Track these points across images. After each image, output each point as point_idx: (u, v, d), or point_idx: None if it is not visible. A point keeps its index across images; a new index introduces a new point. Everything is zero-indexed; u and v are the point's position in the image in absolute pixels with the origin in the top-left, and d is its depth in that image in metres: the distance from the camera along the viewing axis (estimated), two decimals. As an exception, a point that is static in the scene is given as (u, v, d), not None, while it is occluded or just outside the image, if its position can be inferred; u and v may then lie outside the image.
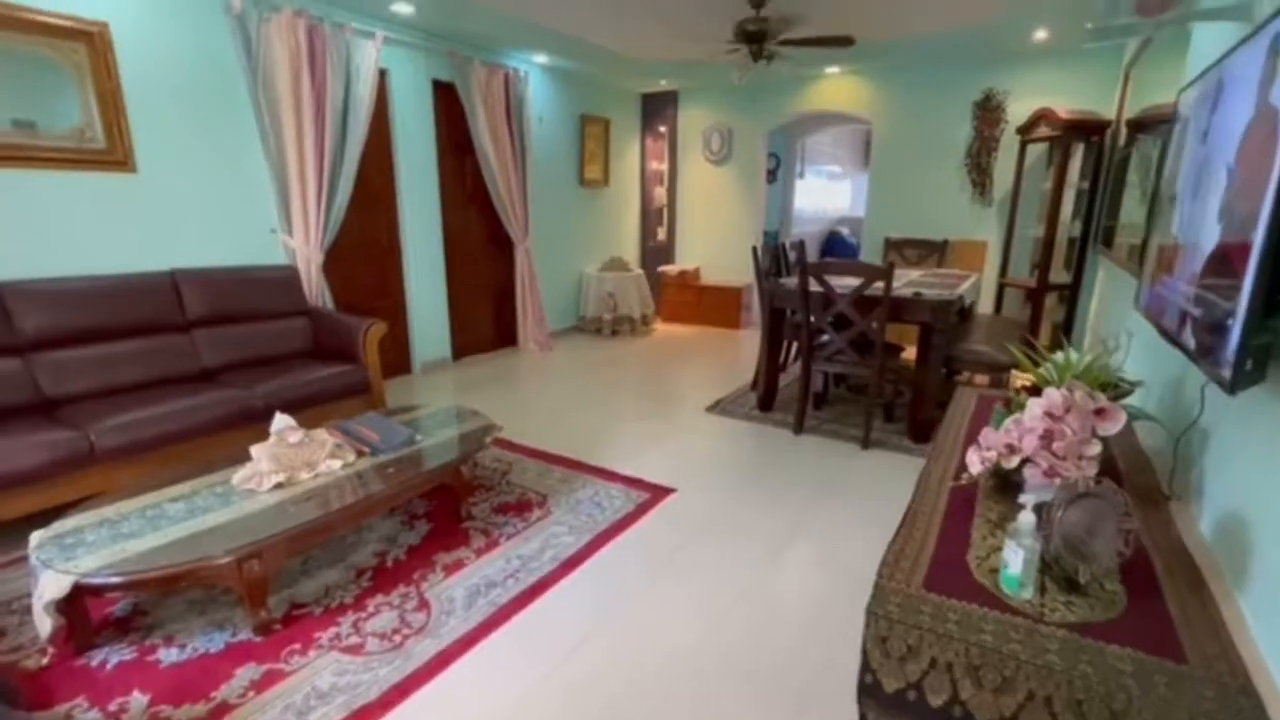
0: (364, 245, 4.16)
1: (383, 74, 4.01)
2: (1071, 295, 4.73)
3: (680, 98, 6.50)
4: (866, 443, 3.26)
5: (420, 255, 4.51)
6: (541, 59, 5.12)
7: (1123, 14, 1.59)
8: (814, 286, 3.24)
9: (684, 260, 6.81)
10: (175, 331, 3.03)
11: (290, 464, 2.12)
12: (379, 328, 3.31)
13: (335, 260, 3.87)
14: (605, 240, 6.45)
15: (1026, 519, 0.99)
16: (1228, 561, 1.06)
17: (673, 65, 5.52)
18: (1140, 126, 4.03)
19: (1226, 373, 0.92)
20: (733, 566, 2.20)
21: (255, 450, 2.12)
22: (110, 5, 2.84)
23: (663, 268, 6.67)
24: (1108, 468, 1.37)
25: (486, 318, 5.22)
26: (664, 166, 6.75)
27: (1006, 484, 1.36)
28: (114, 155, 2.91)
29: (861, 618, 1.00)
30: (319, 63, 3.48)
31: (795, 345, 4.21)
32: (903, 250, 5.22)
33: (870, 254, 5.79)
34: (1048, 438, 1.26)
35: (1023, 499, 1.04)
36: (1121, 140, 4.28)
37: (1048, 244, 4.60)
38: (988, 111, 5.09)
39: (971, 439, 1.76)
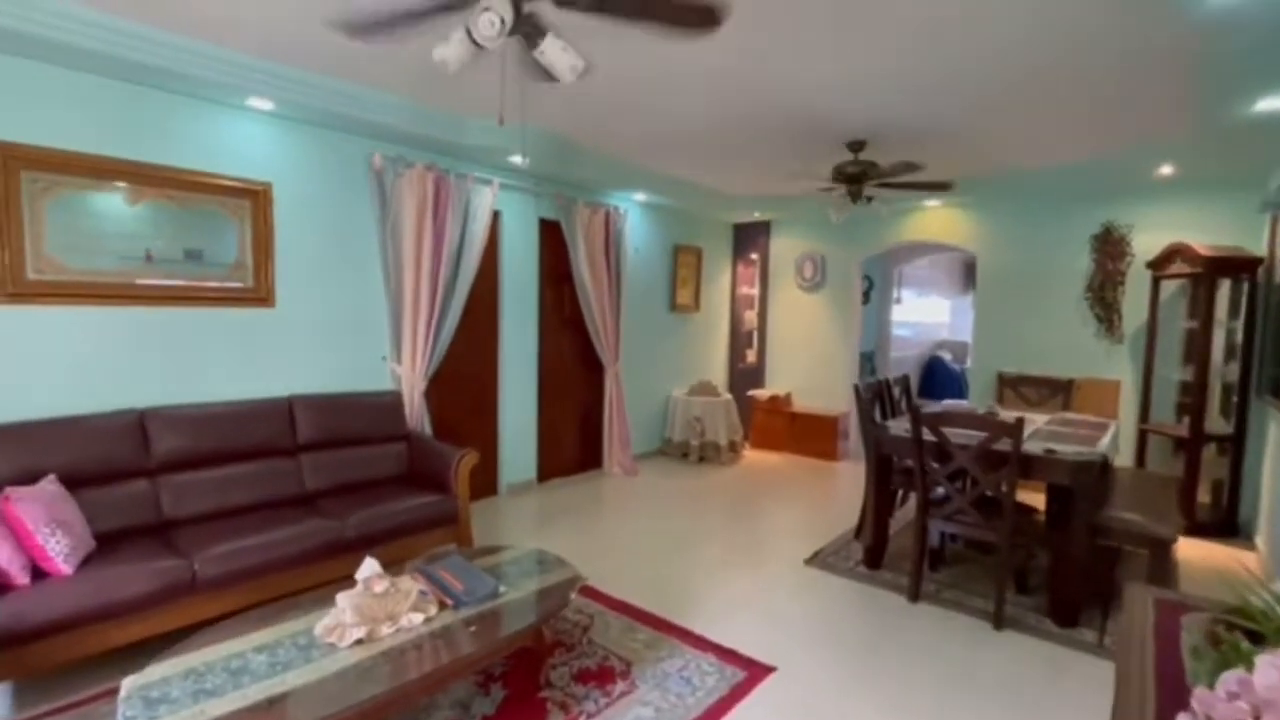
0: (464, 370, 4.32)
1: (496, 215, 4.34)
2: (1235, 449, 4.11)
3: (773, 227, 6.63)
4: (999, 621, 2.80)
5: (515, 378, 4.62)
6: (640, 196, 5.41)
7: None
8: (927, 435, 2.97)
9: (774, 385, 6.64)
10: (285, 455, 3.16)
11: (373, 615, 2.04)
12: (471, 458, 3.32)
13: (436, 384, 4.01)
14: (694, 364, 6.44)
15: None
16: None
17: (766, 199, 5.69)
18: (1300, 264, 3.63)
19: None
20: (849, 789, 1.84)
21: (341, 599, 2.06)
22: (277, 167, 3.27)
23: (753, 391, 6.51)
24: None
25: (573, 439, 5.21)
26: (755, 291, 6.79)
27: (1248, 776, 1.03)
28: (258, 292, 3.22)
29: None
30: (442, 207, 3.81)
31: (905, 491, 3.85)
32: (1019, 388, 4.81)
33: (980, 388, 5.39)
34: (1308, 725, 0.95)
35: None
36: (1277, 279, 3.85)
37: (1199, 388, 4.09)
38: (1109, 245, 4.79)
39: (1162, 671, 1.41)
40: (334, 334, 3.56)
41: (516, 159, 4.04)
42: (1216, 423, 4.23)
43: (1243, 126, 3.22)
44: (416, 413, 3.80)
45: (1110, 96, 3.02)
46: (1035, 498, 3.63)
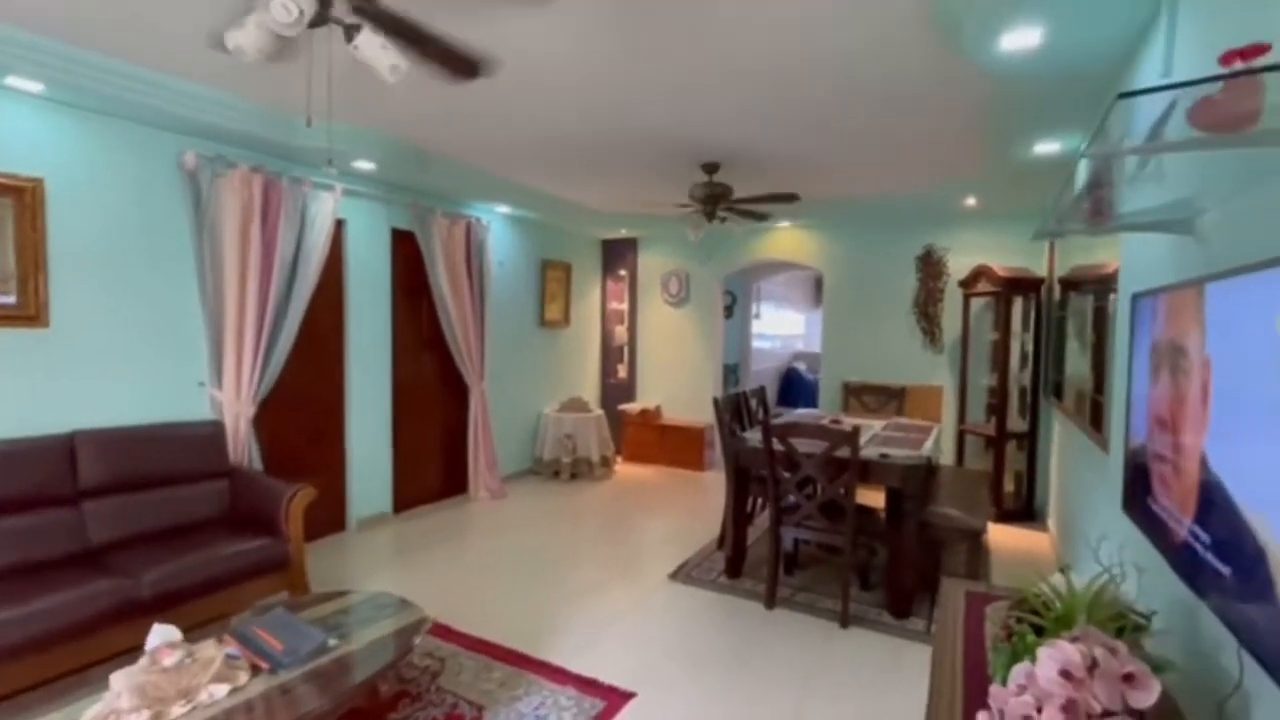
0: (303, 394, 3.91)
1: (340, 224, 4.00)
2: (1030, 444, 4.74)
3: (640, 244, 6.74)
4: (845, 620, 2.98)
5: (365, 402, 4.26)
6: (504, 209, 5.26)
7: (1069, 225, 1.63)
8: (777, 445, 3.11)
9: (645, 399, 6.72)
10: (60, 504, 2.64)
11: (160, 695, 1.72)
12: (306, 494, 2.98)
13: (268, 411, 3.58)
14: (564, 380, 6.35)
15: None
16: None
17: (632, 217, 5.77)
18: (1071, 285, 4.28)
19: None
20: (703, 812, 1.83)
21: (116, 680, 1.73)
22: (52, 161, 2.75)
23: (624, 406, 6.54)
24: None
25: (435, 465, 4.90)
26: (624, 306, 6.85)
27: (1030, 760, 1.12)
28: (26, 310, 2.68)
29: None
30: (272, 214, 3.43)
31: (761, 499, 4.01)
32: (862, 396, 5.24)
33: (829, 397, 5.81)
34: (1071, 711, 1.05)
35: None
36: (1055, 296, 4.52)
37: (1001, 393, 4.68)
38: (930, 265, 5.38)
39: (969, 663, 1.54)
40: (135, 357, 3.06)
41: (362, 163, 3.74)
42: (1017, 422, 4.86)
43: (1024, 167, 3.74)
44: (242, 444, 3.37)
45: (923, 141, 3.42)
46: (876, 498, 3.93)
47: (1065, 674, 1.10)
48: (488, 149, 3.83)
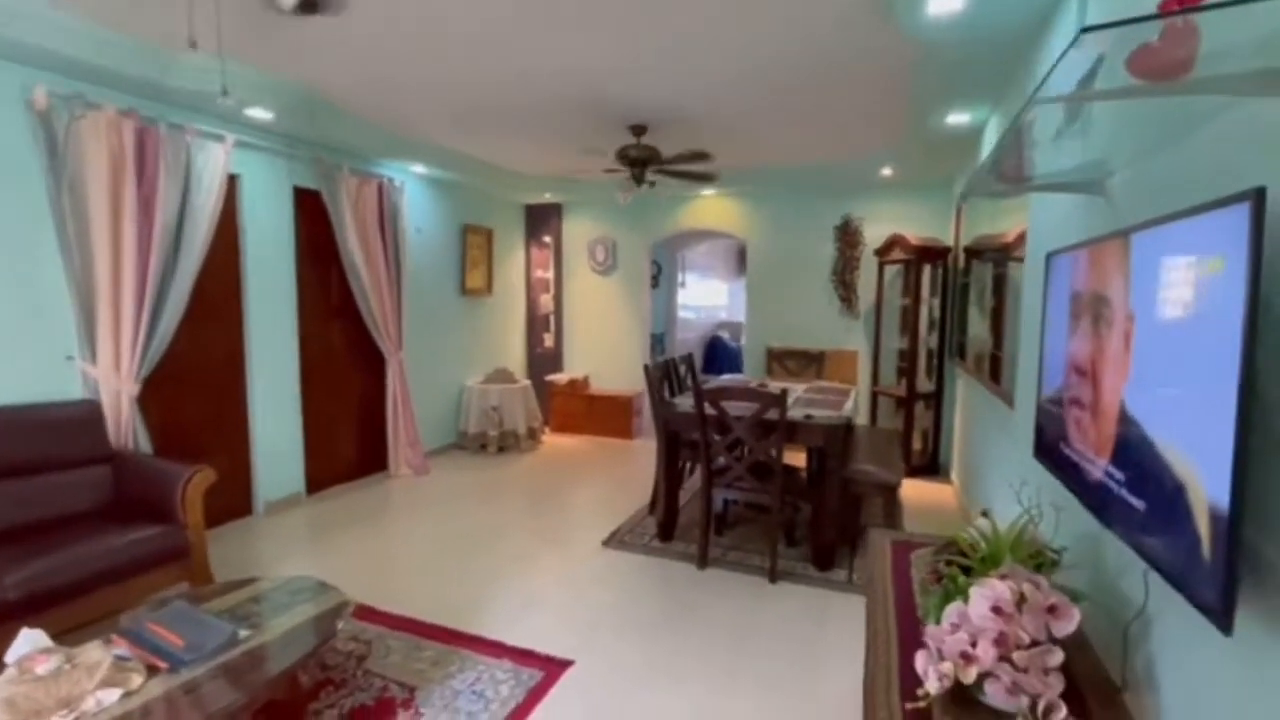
0: (197, 369, 3.55)
1: (233, 179, 3.61)
2: (936, 403, 5.06)
3: (564, 209, 6.56)
4: (774, 575, 3.08)
5: (270, 376, 3.93)
6: (419, 169, 4.94)
7: (991, 186, 1.69)
8: (709, 409, 3.14)
9: (572, 368, 6.63)
10: (-104, 500, 2.27)
11: (35, 707, 1.52)
12: (204, 476, 2.71)
13: (157, 389, 3.23)
14: (489, 350, 6.14)
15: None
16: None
17: (556, 180, 5.59)
18: (974, 253, 4.55)
19: (1210, 600, 0.82)
20: (646, 770, 1.84)
21: (-21, 694, 1.51)
22: None
23: (551, 376, 6.43)
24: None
25: (350, 441, 4.62)
26: (549, 274, 6.67)
27: (962, 693, 1.18)
28: None
29: None
30: (149, 166, 3.04)
31: (691, 463, 4.06)
32: (784, 361, 5.39)
33: (753, 362, 5.95)
34: (1003, 643, 1.11)
35: None
36: (960, 263, 4.79)
37: (911, 356, 4.95)
38: (848, 234, 5.56)
39: (904, 609, 1.61)
40: (-19, 329, 2.65)
41: (257, 111, 3.37)
42: (924, 383, 5.17)
43: (937, 137, 3.90)
44: (125, 425, 3.02)
45: (845, 110, 3.48)
46: (798, 458, 4.08)
47: (996, 609, 1.15)
48: (397, 104, 3.55)
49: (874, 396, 5.34)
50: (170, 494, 2.66)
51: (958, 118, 3.47)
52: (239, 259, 3.73)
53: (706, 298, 9.59)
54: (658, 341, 7.85)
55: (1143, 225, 1.03)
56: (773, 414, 2.99)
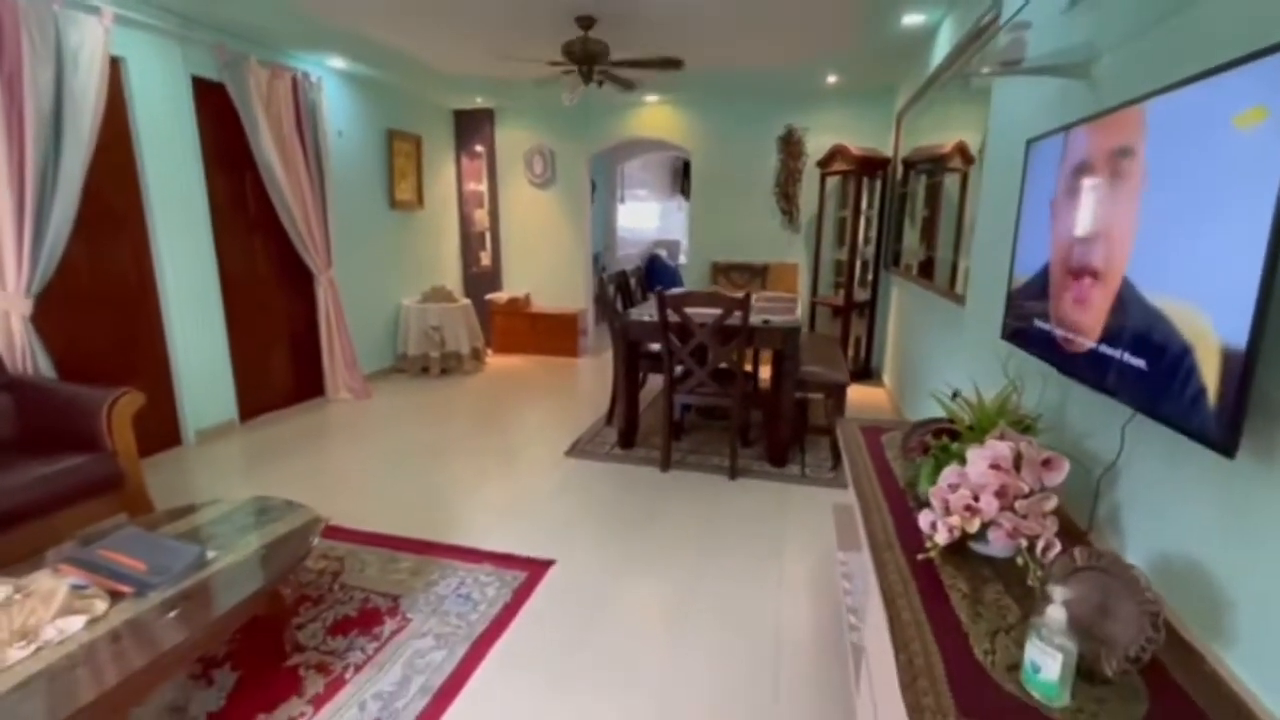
0: (102, 285, 3.16)
1: (116, 63, 3.09)
2: (871, 312, 5.29)
3: (497, 116, 6.13)
4: (734, 473, 3.22)
5: (186, 294, 3.55)
6: (338, 63, 4.43)
7: (986, 68, 1.68)
8: (672, 316, 3.13)
9: (512, 287, 6.42)
10: None
11: (-9, 639, 1.39)
12: (131, 399, 2.47)
13: (55, 308, 2.86)
14: (423, 268, 5.81)
15: (1056, 615, 0.89)
16: (1188, 608, 1.07)
17: (488, 82, 5.16)
18: (911, 164, 4.66)
19: (1212, 432, 0.90)
20: (643, 651, 1.94)
21: (-80, 630, 1.35)
22: None
23: (490, 295, 6.20)
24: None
25: (283, 365, 4.33)
26: (483, 188, 6.30)
27: (960, 545, 1.29)
28: None
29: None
30: (8, 40, 2.54)
31: (646, 372, 4.10)
32: (729, 274, 5.43)
33: (696, 277, 5.96)
34: (1004, 495, 1.21)
35: (1052, 590, 0.94)
36: (899, 175, 4.91)
37: (850, 266, 5.11)
38: (790, 145, 5.53)
39: (886, 482, 1.72)
40: None
41: (135, -19, 2.86)
42: (858, 293, 5.38)
43: (889, 40, 3.85)
44: (21, 348, 2.67)
45: (798, 6, 3.33)
46: (746, 365, 4.19)
47: (995, 466, 1.24)
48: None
49: (813, 307, 5.52)
50: (92, 420, 2.41)
51: (913, 18, 3.42)
52: (135, 159, 3.27)
53: (641, 216, 9.42)
54: (596, 260, 7.69)
55: (1164, 89, 1.05)
56: (736, 318, 3.03)
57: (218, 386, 3.78)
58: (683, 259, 9.83)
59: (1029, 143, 1.68)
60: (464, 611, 2.07)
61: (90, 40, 2.83)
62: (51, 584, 1.56)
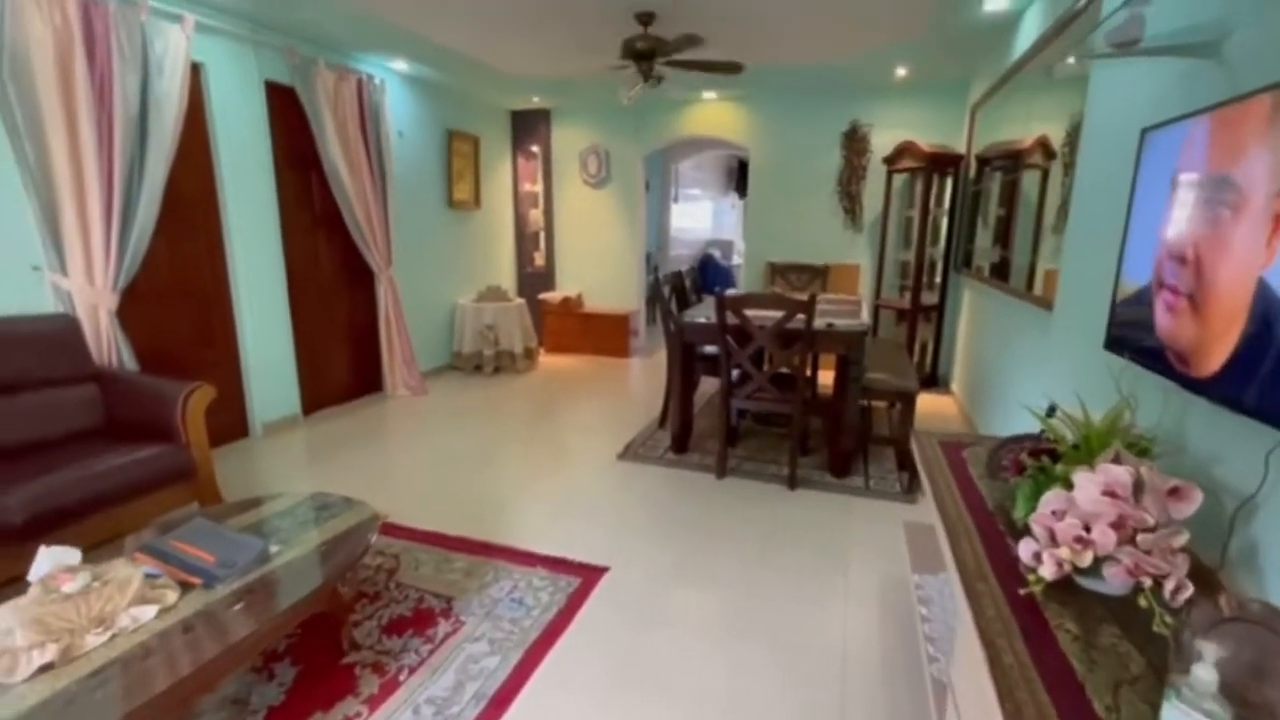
0: (179, 282, 3.30)
1: (197, 69, 3.22)
2: (939, 316, 5.03)
3: (553, 116, 6.14)
4: (793, 482, 3.10)
5: (257, 290, 3.68)
6: (400, 66, 4.51)
7: (1102, 49, 1.53)
8: (731, 318, 3.03)
9: (565, 287, 6.43)
10: None
11: (67, 626, 1.43)
12: (204, 393, 2.55)
13: (137, 303, 3.00)
14: (479, 267, 5.89)
15: (1206, 677, 0.76)
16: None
17: (546, 81, 5.17)
18: (986, 160, 4.40)
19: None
20: (701, 667, 1.86)
21: (3, 614, 1.40)
22: None
23: (543, 295, 6.23)
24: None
25: (344, 361, 4.44)
26: (538, 188, 6.34)
27: (1067, 580, 1.15)
28: None
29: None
30: (100, 48, 2.67)
31: (701, 375, 4.00)
32: (787, 275, 5.27)
33: (751, 278, 5.82)
34: (1121, 526, 1.07)
35: (1199, 645, 0.81)
36: (971, 173, 4.65)
37: (918, 268, 4.87)
38: (855, 142, 5.32)
39: (972, 502, 1.58)
40: (-69, 235, 2.36)
41: (215, -11, 2.97)
42: (925, 296, 5.12)
43: (967, 28, 3.64)
44: (107, 341, 2.80)
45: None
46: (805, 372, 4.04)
47: (1110, 493, 1.10)
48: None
49: (876, 310, 5.29)
50: (168, 412, 2.50)
51: (995, 4, 3.21)
52: (212, 161, 3.40)
53: (694, 215, 9.31)
54: (649, 260, 7.64)
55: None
56: (798, 322, 2.90)
57: (283, 381, 3.91)
58: (736, 259, 9.67)
59: (1144, 132, 1.51)
60: (517, 616, 2.04)
61: (174, 47, 2.96)
62: (127, 572, 1.60)
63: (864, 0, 3.33)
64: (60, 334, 2.61)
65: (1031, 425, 1.60)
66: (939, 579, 1.91)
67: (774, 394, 3.10)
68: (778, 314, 2.94)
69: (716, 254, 9.27)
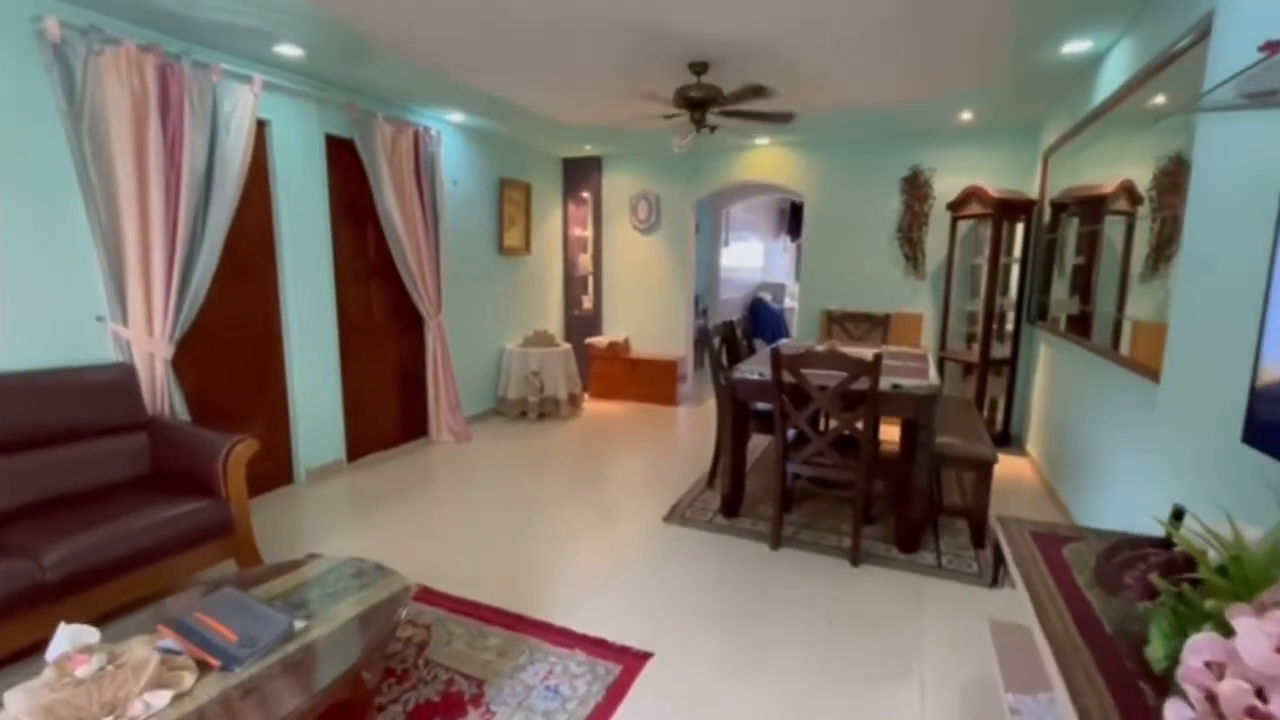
0: (233, 330, 3.35)
1: (262, 125, 3.34)
2: (1011, 370, 4.69)
3: (604, 164, 6.19)
4: (856, 557, 2.83)
5: (308, 338, 3.72)
6: (456, 117, 4.61)
7: (1229, 99, 1.33)
8: (788, 377, 2.85)
9: (612, 331, 6.36)
10: (-76, 471, 2.11)
11: (78, 714, 1.34)
12: (247, 446, 2.52)
13: (191, 351, 3.04)
14: (527, 312, 5.89)
15: None
16: None
17: (598, 130, 5.20)
18: (1063, 206, 4.12)
19: None
20: (751, 787, 1.63)
21: (10, 700, 1.33)
22: None
23: (590, 339, 6.17)
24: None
25: (391, 407, 4.44)
26: (588, 233, 6.35)
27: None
28: None
29: None
30: (173, 109, 2.77)
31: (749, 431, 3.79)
32: (844, 324, 5.05)
33: (806, 325, 5.61)
34: (1315, 700, 0.83)
35: None
36: (1045, 219, 4.36)
37: (988, 318, 4.57)
38: (916, 187, 5.12)
39: (1079, 614, 1.33)
40: (8, 289, 2.44)
41: (286, 48, 3.07)
42: (995, 348, 4.79)
43: (1042, 70, 3.44)
44: (161, 390, 2.84)
45: (939, 40, 3.03)
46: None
47: (1294, 655, 0.86)
48: (438, 40, 3.21)
49: (941, 362, 4.98)
50: (211, 465, 2.47)
51: (1076, 46, 3.02)
52: (271, 213, 3.49)
53: (744, 258, 9.18)
54: (698, 303, 7.53)
55: None
56: (862, 383, 2.69)
57: (329, 427, 3.91)
58: (788, 302, 9.46)
59: (1288, 189, 1.30)
60: (552, 709, 1.86)
61: (242, 105, 3.06)
62: (144, 654, 1.51)
63: (931, 44, 3.19)
64: (118, 383, 2.64)
65: (1136, 518, 1.36)
66: (1040, 702, 1.64)
67: (835, 459, 2.87)
68: (839, 374, 2.74)
69: (768, 297, 9.09)
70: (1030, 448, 4.43)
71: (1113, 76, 2.99)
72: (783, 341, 4.87)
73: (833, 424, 2.92)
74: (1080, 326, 3.43)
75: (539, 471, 4.09)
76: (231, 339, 3.34)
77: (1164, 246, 2.36)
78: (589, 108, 4.56)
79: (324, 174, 3.74)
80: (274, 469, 3.58)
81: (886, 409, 2.92)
